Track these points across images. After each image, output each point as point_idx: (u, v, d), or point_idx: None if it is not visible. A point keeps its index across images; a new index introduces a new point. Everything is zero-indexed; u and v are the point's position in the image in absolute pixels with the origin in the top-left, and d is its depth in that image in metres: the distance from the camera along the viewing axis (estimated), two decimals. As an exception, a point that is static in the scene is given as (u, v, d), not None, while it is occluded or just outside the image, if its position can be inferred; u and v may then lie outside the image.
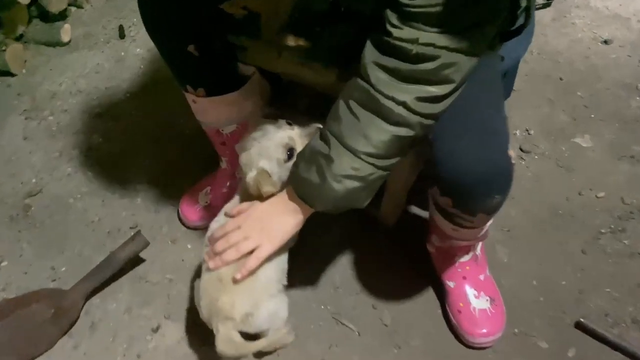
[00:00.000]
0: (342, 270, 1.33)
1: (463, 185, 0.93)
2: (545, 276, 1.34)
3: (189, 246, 1.39)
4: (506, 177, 0.96)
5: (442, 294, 1.27)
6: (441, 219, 1.08)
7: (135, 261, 1.34)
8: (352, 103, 0.86)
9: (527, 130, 1.66)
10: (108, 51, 1.92)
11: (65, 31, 1.91)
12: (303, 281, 1.30)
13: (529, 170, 1.57)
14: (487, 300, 1.22)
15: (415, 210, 1.43)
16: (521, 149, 1.61)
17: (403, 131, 0.84)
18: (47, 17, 1.95)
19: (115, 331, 1.23)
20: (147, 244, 1.27)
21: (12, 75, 1.81)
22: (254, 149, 1.04)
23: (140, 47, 1.92)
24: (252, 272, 1.00)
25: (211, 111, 1.21)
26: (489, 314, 1.20)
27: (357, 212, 1.00)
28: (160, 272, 1.33)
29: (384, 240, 1.38)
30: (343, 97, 0.89)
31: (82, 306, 1.24)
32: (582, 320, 1.22)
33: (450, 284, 1.24)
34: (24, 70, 1.84)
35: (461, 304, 1.21)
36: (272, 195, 1.02)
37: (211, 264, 1.02)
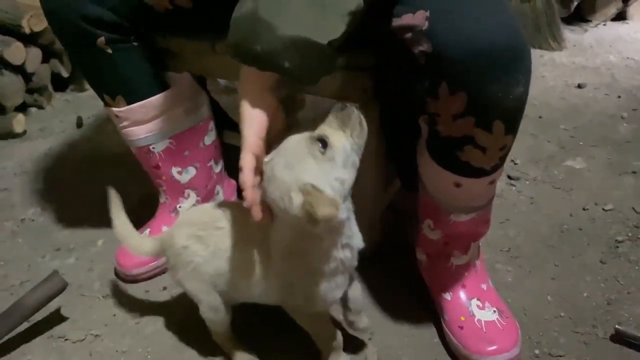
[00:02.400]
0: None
1: (477, 56, 0.71)
2: (561, 291, 1.08)
3: (124, 300, 1.14)
4: (524, 50, 0.74)
5: (437, 317, 1.01)
6: (441, 170, 0.86)
7: (54, 319, 1.08)
8: None
9: (513, 161, 1.50)
10: (62, 137, 1.82)
11: (18, 121, 1.84)
12: (275, 323, 1.03)
13: (522, 195, 1.38)
14: (494, 311, 0.96)
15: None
16: (509, 177, 1.44)
17: None
18: (3, 111, 1.89)
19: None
20: (64, 286, 1.03)
21: (-44, 164, 1.69)
22: (277, 166, 0.72)
23: (94, 133, 1.83)
24: (249, 188, 0.73)
25: (136, 123, 1.06)
26: (499, 327, 0.93)
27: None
28: (83, 329, 1.06)
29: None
30: None
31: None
32: (619, 327, 0.95)
33: (447, 295, 0.98)
34: (-31, 160, 1.72)
35: (462, 318, 0.95)
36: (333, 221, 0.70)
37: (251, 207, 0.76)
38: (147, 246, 0.95)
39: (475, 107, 0.76)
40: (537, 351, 0.96)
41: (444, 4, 0.73)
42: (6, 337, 1.02)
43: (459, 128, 0.79)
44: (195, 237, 0.86)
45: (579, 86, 1.91)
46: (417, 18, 0.73)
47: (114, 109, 1.04)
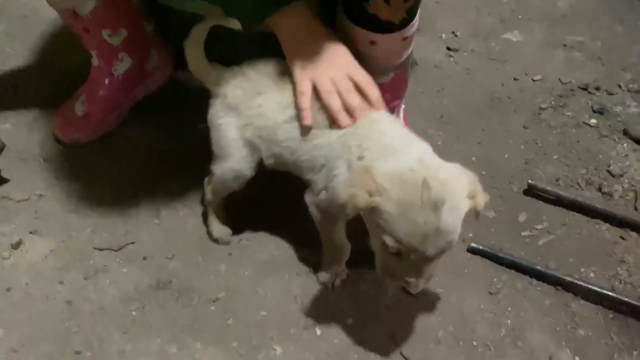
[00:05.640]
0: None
1: None
2: (485, 153, 1.17)
3: (67, 164, 1.15)
4: None
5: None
6: (355, 28, 0.91)
7: (-5, 182, 1.10)
8: None
9: (454, 33, 1.52)
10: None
11: None
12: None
13: (459, 65, 1.42)
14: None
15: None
16: (448, 48, 1.47)
17: None
18: None
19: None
20: (2, 147, 1.04)
21: None
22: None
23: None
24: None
25: None
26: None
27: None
28: (27, 190, 1.09)
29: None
30: None
31: None
32: (531, 182, 1.05)
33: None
34: None
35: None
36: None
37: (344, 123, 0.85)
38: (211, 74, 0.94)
39: None
40: (457, 204, 1.05)
41: None
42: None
43: None
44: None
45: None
46: None
47: None
